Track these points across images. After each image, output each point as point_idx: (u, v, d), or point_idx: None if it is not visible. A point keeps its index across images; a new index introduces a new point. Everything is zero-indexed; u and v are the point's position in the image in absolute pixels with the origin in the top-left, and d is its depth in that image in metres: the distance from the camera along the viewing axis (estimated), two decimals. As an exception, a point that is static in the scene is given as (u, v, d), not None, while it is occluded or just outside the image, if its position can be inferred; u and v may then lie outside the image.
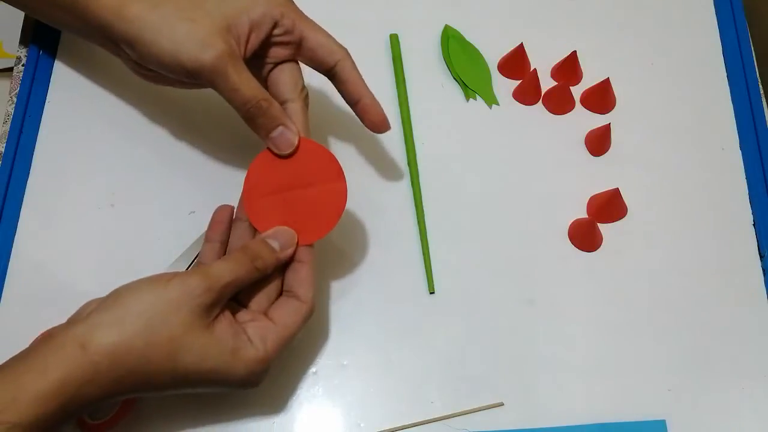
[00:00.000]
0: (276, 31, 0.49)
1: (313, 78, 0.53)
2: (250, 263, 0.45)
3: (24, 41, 0.62)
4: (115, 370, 0.41)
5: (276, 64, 0.50)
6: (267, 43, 0.49)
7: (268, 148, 0.49)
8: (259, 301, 0.47)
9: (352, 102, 0.51)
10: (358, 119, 0.52)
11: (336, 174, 0.48)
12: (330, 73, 0.51)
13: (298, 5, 0.51)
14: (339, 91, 0.52)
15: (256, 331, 0.45)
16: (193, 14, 0.46)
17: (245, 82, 0.47)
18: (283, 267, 0.48)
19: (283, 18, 0.48)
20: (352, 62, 0.51)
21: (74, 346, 0.40)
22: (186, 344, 0.42)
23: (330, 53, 0.50)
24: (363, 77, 0.51)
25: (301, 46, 0.50)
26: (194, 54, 0.46)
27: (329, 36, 0.50)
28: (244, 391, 0.46)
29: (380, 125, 0.52)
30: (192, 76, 0.47)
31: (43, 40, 0.61)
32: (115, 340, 0.41)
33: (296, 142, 0.48)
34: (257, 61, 0.50)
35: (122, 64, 0.52)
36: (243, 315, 0.46)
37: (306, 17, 0.50)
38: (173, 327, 0.42)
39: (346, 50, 0.51)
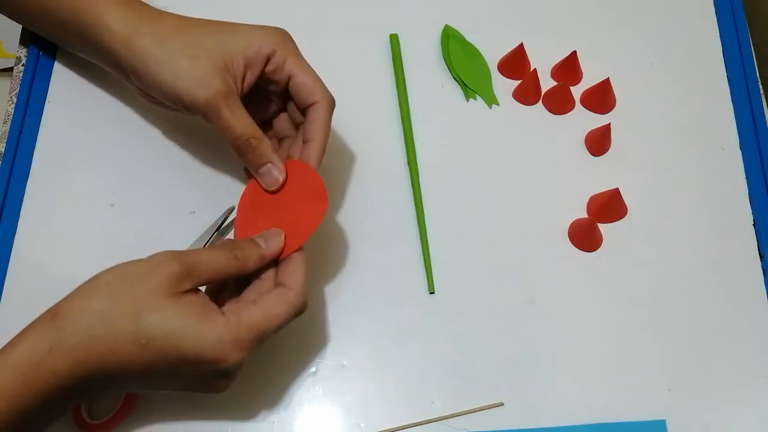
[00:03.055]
0: (267, 68, 0.50)
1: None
2: (229, 252, 0.45)
3: (24, 41, 0.62)
4: (77, 333, 0.41)
5: (276, 94, 0.52)
6: (263, 78, 0.51)
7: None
8: (248, 294, 0.47)
9: (304, 140, 0.51)
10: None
11: (320, 196, 0.48)
12: (304, 113, 0.51)
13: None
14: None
15: (231, 307, 0.44)
16: (196, 51, 0.49)
17: (237, 120, 0.49)
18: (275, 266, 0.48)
19: (274, 55, 0.50)
20: (328, 110, 0.50)
21: (46, 316, 0.42)
22: (150, 305, 0.41)
23: (309, 94, 0.50)
24: (329, 128, 0.50)
25: (289, 83, 0.51)
26: (192, 90, 0.48)
27: (316, 79, 0.50)
28: (219, 386, 0.45)
29: None
30: (188, 110, 0.49)
31: (43, 40, 0.61)
32: (80, 304, 0.42)
33: (281, 180, 0.49)
34: (260, 93, 0.52)
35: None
36: (228, 304, 0.45)
37: (299, 57, 0.51)
38: (138, 291, 0.42)
39: (329, 97, 0.50)
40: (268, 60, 0.50)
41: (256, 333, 0.43)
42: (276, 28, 0.51)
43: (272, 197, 0.50)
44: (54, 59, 0.61)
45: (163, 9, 0.52)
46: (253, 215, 0.50)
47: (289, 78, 0.50)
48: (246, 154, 0.50)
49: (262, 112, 0.54)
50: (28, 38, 0.62)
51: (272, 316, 0.44)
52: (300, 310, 0.45)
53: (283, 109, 0.54)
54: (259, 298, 0.45)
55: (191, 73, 0.48)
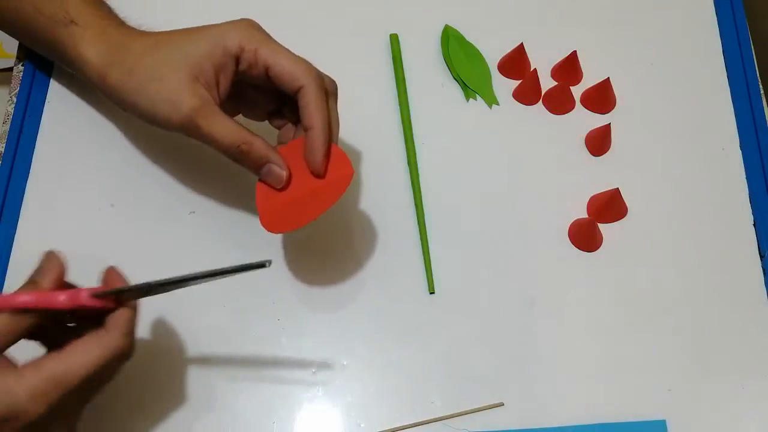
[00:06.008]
0: (241, 67, 0.48)
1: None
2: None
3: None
4: None
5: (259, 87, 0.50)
6: (246, 76, 0.49)
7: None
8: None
9: (304, 129, 0.48)
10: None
11: (344, 163, 0.48)
12: (294, 99, 0.49)
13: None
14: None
15: (35, 359, 0.40)
16: (161, 73, 0.48)
17: (219, 131, 0.47)
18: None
19: (243, 52, 0.48)
20: (317, 90, 0.47)
21: None
22: None
23: (291, 80, 0.47)
24: (324, 108, 0.48)
25: (268, 74, 0.48)
26: (166, 113, 0.47)
27: (295, 61, 0.48)
28: None
29: (311, 164, 0.48)
30: (174, 131, 0.49)
31: (43, 40, 0.61)
32: None
33: (285, 177, 0.48)
34: (255, 89, 0.51)
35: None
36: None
37: (270, 43, 0.48)
38: None
39: (314, 76, 0.47)
40: (238, 59, 0.48)
41: (54, 384, 0.39)
42: (239, 20, 0.49)
43: (295, 171, 0.49)
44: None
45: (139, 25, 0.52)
46: (275, 193, 0.49)
47: (267, 69, 0.48)
48: (241, 161, 0.48)
49: (265, 106, 0.52)
50: (28, 38, 0.62)
51: (77, 364, 0.39)
52: (120, 353, 0.41)
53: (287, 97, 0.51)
54: (70, 344, 0.40)
55: (161, 96, 0.47)
